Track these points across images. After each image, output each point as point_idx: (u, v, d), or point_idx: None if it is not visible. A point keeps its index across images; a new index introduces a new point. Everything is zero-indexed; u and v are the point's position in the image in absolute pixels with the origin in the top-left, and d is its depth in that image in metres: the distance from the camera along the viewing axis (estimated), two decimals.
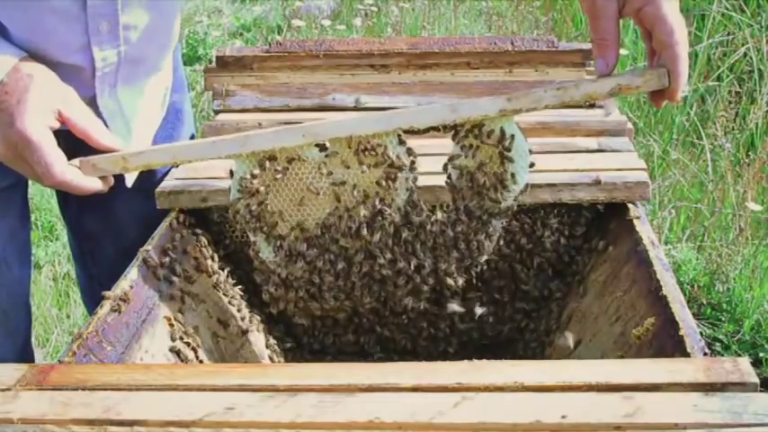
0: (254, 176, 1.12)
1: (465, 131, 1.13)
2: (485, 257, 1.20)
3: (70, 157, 1.11)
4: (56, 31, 1.12)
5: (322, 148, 1.12)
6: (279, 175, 1.13)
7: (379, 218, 1.15)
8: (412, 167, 1.14)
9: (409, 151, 1.13)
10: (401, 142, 1.12)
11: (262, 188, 1.13)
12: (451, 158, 1.15)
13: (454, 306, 1.30)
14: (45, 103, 1.06)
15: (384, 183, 1.14)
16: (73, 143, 1.13)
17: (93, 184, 1.12)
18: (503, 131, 1.11)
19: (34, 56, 1.10)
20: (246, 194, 1.13)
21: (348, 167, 1.13)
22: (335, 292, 1.18)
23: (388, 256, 1.16)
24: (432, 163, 1.27)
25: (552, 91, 1.08)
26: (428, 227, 1.16)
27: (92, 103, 1.19)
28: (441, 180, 1.21)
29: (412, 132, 1.11)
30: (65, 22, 1.12)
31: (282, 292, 1.19)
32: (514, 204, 1.16)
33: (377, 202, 1.14)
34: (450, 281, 1.18)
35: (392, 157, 1.12)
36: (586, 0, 1.06)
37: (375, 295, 1.18)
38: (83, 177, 1.10)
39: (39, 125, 1.05)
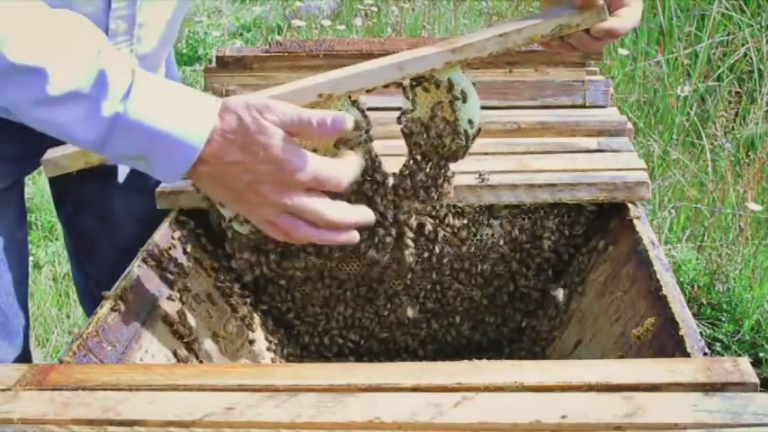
0: None
1: (413, 85, 1.13)
2: (445, 201, 1.22)
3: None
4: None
5: None
6: None
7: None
8: (367, 128, 1.12)
9: (362, 112, 1.11)
10: (353, 103, 1.11)
11: None
12: (404, 112, 1.16)
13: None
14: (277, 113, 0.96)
15: (340, 145, 1.10)
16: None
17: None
18: (450, 81, 1.11)
19: None
20: None
21: None
22: (305, 250, 1.18)
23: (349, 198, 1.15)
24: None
25: (495, 38, 1.08)
26: (388, 181, 1.16)
27: None
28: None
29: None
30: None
31: (255, 258, 1.20)
32: (469, 145, 1.16)
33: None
34: (409, 226, 1.20)
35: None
36: None
37: (341, 249, 1.18)
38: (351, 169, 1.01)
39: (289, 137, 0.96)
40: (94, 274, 1.48)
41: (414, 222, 1.21)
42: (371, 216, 1.02)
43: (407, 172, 1.17)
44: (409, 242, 1.23)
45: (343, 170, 0.97)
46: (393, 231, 1.19)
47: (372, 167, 1.16)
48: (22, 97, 0.88)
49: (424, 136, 1.15)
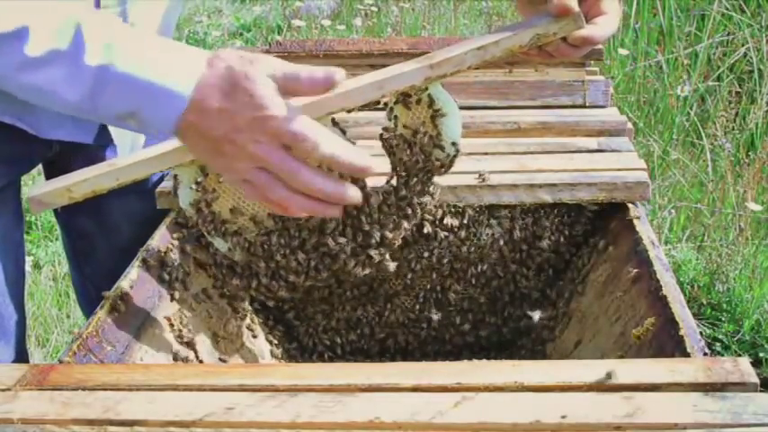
0: (198, 183, 1.10)
1: (394, 102, 1.12)
2: (428, 215, 1.22)
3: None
4: None
5: None
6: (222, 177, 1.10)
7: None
8: None
9: (342, 132, 1.10)
10: (335, 124, 1.09)
11: (209, 190, 1.11)
12: (386, 129, 1.15)
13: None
14: (269, 68, 0.93)
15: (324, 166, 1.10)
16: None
17: (364, 159, 0.94)
18: (431, 97, 1.10)
19: None
20: (195, 203, 1.12)
21: None
22: (294, 271, 1.17)
23: (338, 230, 1.15)
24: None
25: (473, 51, 1.06)
26: (372, 200, 1.15)
27: None
28: (439, 180, 1.20)
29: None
30: None
31: (245, 283, 1.19)
32: (453, 159, 1.15)
33: None
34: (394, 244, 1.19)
35: None
36: None
37: (329, 269, 1.17)
38: (352, 148, 0.96)
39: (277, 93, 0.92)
40: (92, 276, 1.48)
41: (399, 239, 1.20)
42: (358, 196, 0.99)
43: (391, 189, 1.16)
44: (389, 263, 1.22)
45: (324, 137, 0.92)
46: (382, 250, 1.18)
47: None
48: (7, 64, 0.89)
49: (408, 152, 1.14)
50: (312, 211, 0.98)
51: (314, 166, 0.94)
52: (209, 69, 0.90)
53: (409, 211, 1.17)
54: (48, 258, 2.75)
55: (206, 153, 0.95)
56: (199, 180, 1.11)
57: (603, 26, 1.06)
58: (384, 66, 1.56)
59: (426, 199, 1.17)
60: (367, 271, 1.19)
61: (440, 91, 1.10)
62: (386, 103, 1.12)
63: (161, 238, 1.24)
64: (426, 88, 1.09)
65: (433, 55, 1.08)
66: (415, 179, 1.16)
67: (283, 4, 4.72)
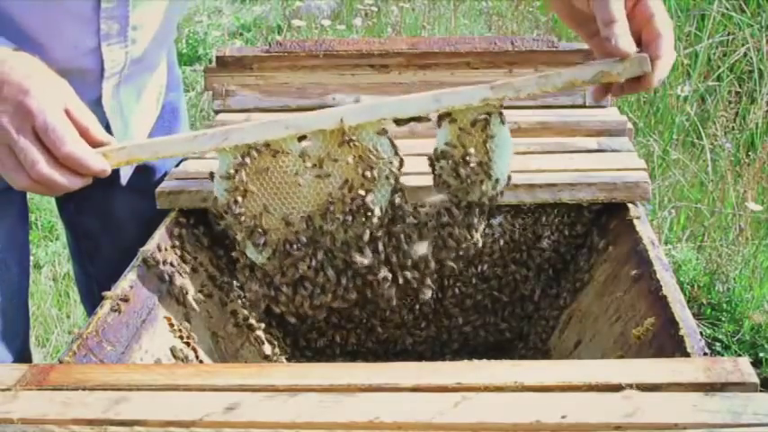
0: (236, 171, 1.10)
1: (448, 121, 1.12)
2: (470, 250, 1.20)
3: None
4: (68, 34, 1.12)
5: (305, 139, 1.11)
6: (261, 168, 1.11)
7: (362, 211, 1.13)
8: (394, 160, 1.13)
9: (392, 143, 1.12)
10: (383, 133, 1.11)
11: (245, 182, 1.11)
12: (436, 150, 1.15)
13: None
14: (54, 85, 1.03)
15: (368, 174, 1.12)
16: None
17: (99, 162, 1.02)
18: (486, 120, 1.11)
19: (47, 62, 1.07)
20: (231, 191, 1.12)
21: (331, 159, 1.12)
22: (319, 288, 1.16)
23: (371, 248, 1.15)
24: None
25: (535, 78, 1.07)
26: (411, 220, 1.15)
27: (97, 103, 1.19)
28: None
29: (396, 122, 1.11)
30: (77, 24, 1.12)
31: (267, 291, 1.17)
32: (499, 195, 1.16)
33: (361, 194, 1.13)
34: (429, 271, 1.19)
35: (376, 148, 1.11)
36: None
37: (359, 289, 1.17)
38: (92, 152, 1.03)
39: (54, 99, 1.00)
40: (96, 275, 1.48)
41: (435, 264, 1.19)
42: (103, 165, 1.03)
43: (434, 213, 1.16)
44: (426, 290, 1.21)
45: (72, 138, 0.98)
46: (417, 275, 1.18)
47: (394, 204, 1.15)
48: None
49: (454, 176, 1.15)
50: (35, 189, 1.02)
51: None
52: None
53: (450, 242, 1.17)
54: (48, 258, 2.75)
55: None
56: (237, 167, 1.10)
57: (664, 66, 1.06)
58: (384, 65, 1.58)
59: (465, 232, 1.17)
60: (399, 295, 1.18)
61: (495, 116, 1.11)
62: (440, 116, 1.12)
63: (161, 238, 1.24)
64: (486, 114, 1.10)
65: (496, 79, 1.09)
66: (459, 208, 1.16)
67: (283, 4, 4.72)
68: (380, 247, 1.15)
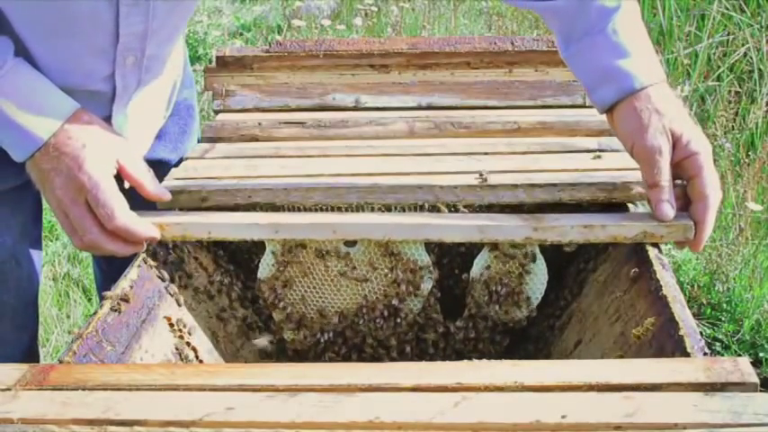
0: (284, 262, 1.20)
1: (490, 248, 1.20)
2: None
3: None
4: (84, 64, 1.15)
5: (350, 243, 1.18)
6: (306, 267, 1.20)
7: (395, 318, 1.22)
8: (432, 271, 1.21)
9: (431, 259, 1.20)
10: (424, 248, 1.19)
11: (288, 272, 1.20)
12: (473, 273, 1.22)
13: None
14: (107, 151, 1.09)
15: (404, 286, 1.20)
16: None
17: (149, 230, 1.11)
18: (526, 254, 1.18)
19: (58, 85, 1.12)
20: (276, 274, 1.21)
21: (372, 266, 1.20)
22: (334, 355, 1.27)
23: (397, 351, 1.24)
24: (431, 163, 1.27)
25: (579, 227, 1.13)
26: (440, 330, 1.24)
27: (106, 121, 1.21)
28: (439, 180, 1.24)
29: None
30: (94, 55, 1.15)
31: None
32: (524, 320, 1.24)
33: (395, 302, 1.21)
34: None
35: (416, 262, 1.19)
36: (635, 144, 1.11)
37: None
38: (141, 222, 1.10)
39: (106, 170, 1.08)
40: (110, 272, 1.48)
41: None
42: (152, 233, 1.11)
43: (461, 325, 1.24)
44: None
45: (121, 212, 1.06)
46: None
47: (427, 307, 1.23)
48: None
49: (486, 298, 1.22)
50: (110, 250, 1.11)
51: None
52: (55, 138, 1.07)
53: (473, 354, 1.24)
54: (48, 258, 2.75)
55: (38, 182, 1.10)
56: (280, 260, 1.20)
57: (707, 229, 1.11)
58: (384, 65, 1.58)
59: (487, 347, 1.25)
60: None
61: (536, 251, 1.19)
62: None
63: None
64: (525, 246, 1.17)
65: (540, 217, 1.15)
66: (484, 324, 1.24)
67: (283, 4, 4.72)
68: (407, 350, 1.24)
